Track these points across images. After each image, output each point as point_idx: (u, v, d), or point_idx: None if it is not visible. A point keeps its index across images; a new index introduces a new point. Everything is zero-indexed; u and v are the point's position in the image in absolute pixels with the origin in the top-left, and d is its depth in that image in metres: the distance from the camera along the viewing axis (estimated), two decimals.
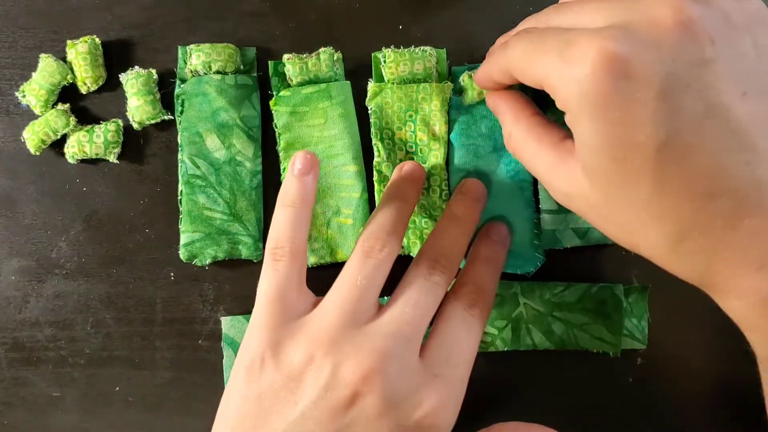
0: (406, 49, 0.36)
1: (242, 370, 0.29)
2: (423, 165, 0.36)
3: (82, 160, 0.36)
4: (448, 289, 0.32)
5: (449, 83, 0.36)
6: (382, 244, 0.30)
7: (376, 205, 0.36)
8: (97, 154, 0.36)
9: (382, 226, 0.31)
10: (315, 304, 0.30)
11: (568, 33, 0.25)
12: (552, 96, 0.26)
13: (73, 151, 0.36)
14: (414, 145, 0.36)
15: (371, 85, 0.36)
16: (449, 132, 0.36)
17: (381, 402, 0.27)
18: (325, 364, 0.28)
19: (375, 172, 0.36)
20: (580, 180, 0.27)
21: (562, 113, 0.26)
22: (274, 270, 0.30)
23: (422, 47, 0.36)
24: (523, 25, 0.30)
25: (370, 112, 0.36)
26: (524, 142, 0.30)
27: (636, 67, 0.23)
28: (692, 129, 0.23)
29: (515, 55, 0.28)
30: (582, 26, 0.26)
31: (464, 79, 0.36)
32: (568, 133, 0.28)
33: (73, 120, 0.36)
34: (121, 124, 0.36)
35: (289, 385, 0.28)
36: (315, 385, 0.28)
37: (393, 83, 0.36)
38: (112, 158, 0.36)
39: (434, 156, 0.36)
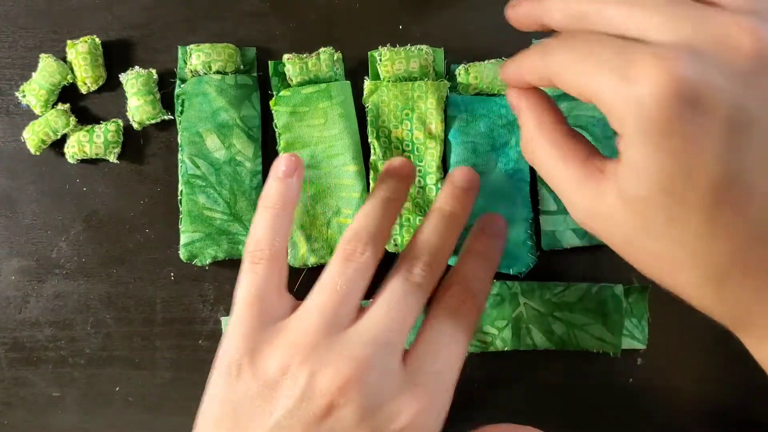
0: (402, 48, 0.36)
1: (220, 374, 0.29)
2: (420, 164, 0.36)
3: (83, 160, 0.36)
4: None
5: (445, 81, 0.36)
6: (364, 246, 0.29)
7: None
8: (97, 154, 0.36)
9: (365, 227, 0.30)
10: (294, 309, 0.30)
11: (628, 47, 0.23)
12: (603, 112, 0.24)
13: (73, 151, 0.36)
14: (410, 144, 0.36)
15: (367, 83, 0.36)
16: (447, 130, 0.36)
17: (358, 412, 0.27)
18: (301, 372, 0.27)
19: (371, 171, 0.36)
20: (612, 203, 0.24)
21: (588, 124, 0.24)
22: (252, 273, 0.30)
23: (418, 45, 0.36)
24: (558, 13, 0.26)
25: (366, 110, 0.36)
26: (545, 151, 0.27)
27: (705, 95, 0.21)
28: (756, 169, 0.22)
29: (559, 63, 0.25)
30: (644, 37, 0.23)
31: (460, 72, 0.36)
32: (593, 150, 0.26)
33: (73, 120, 0.36)
34: (121, 124, 0.36)
35: (264, 393, 0.27)
36: (290, 395, 0.27)
37: (389, 81, 0.36)
38: (112, 158, 0.36)
39: (430, 154, 0.36)
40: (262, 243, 0.30)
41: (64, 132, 0.36)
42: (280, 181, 0.32)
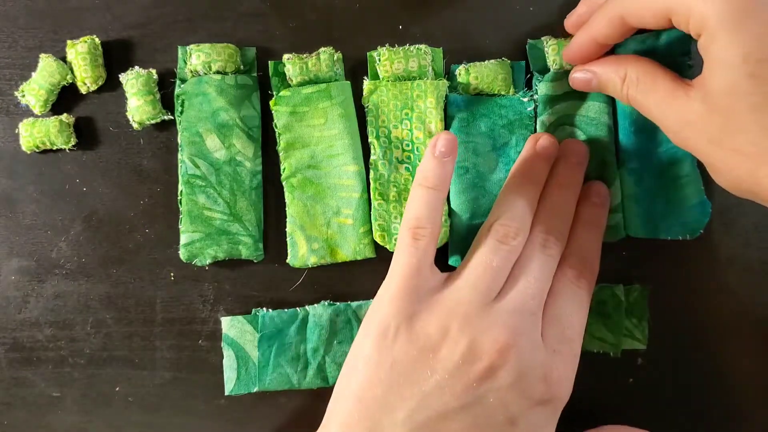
0: (401, 47, 0.36)
1: (373, 338, 0.30)
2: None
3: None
4: None
5: (444, 80, 0.36)
6: (516, 232, 0.31)
7: (373, 203, 0.36)
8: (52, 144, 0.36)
9: (515, 213, 0.32)
10: (445, 282, 0.31)
11: None
12: (680, 22, 0.27)
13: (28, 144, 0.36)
14: (410, 143, 0.36)
15: (367, 83, 0.36)
16: (447, 129, 0.36)
17: (514, 375, 0.29)
18: (462, 337, 0.29)
19: (371, 171, 0.36)
20: (698, 109, 0.27)
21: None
22: (414, 248, 0.31)
23: (417, 45, 0.36)
24: None
25: (366, 110, 0.36)
26: (641, 81, 0.30)
27: None
28: None
29: None
30: None
31: (460, 72, 0.36)
32: (678, 75, 0.29)
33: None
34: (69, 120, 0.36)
35: (424, 355, 0.29)
36: (451, 357, 0.29)
37: (388, 81, 0.36)
38: (68, 146, 0.36)
39: None
40: (424, 221, 0.32)
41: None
42: (437, 161, 0.32)
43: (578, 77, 0.34)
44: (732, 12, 0.24)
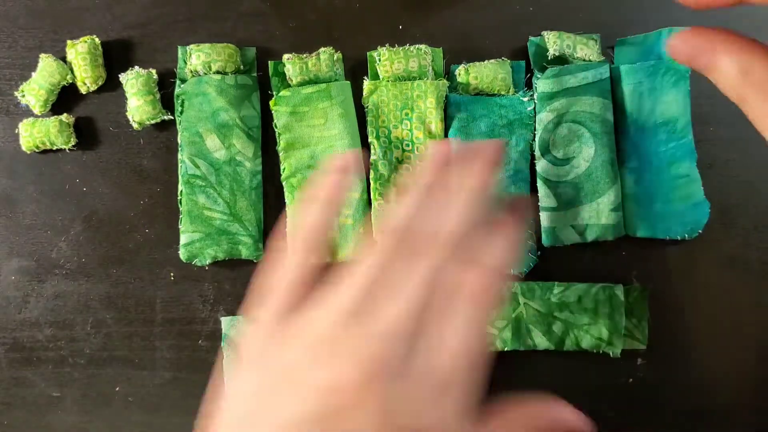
0: (401, 48, 0.36)
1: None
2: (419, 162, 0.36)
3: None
4: None
5: (444, 80, 0.36)
6: None
7: (373, 203, 0.36)
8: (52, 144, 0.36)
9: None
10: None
11: None
12: None
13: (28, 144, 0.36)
14: (410, 143, 0.36)
15: (367, 83, 0.36)
16: (447, 129, 0.36)
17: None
18: None
19: (371, 171, 0.36)
20: None
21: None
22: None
23: (417, 45, 0.36)
24: None
25: (366, 110, 0.36)
26: (764, 82, 0.23)
27: None
28: None
29: None
30: None
31: (460, 72, 0.36)
32: None
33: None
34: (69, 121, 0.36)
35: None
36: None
37: (388, 81, 0.36)
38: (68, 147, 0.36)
39: None
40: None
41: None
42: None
43: (682, 48, 0.25)
44: None
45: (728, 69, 0.24)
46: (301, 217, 0.29)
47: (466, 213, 0.27)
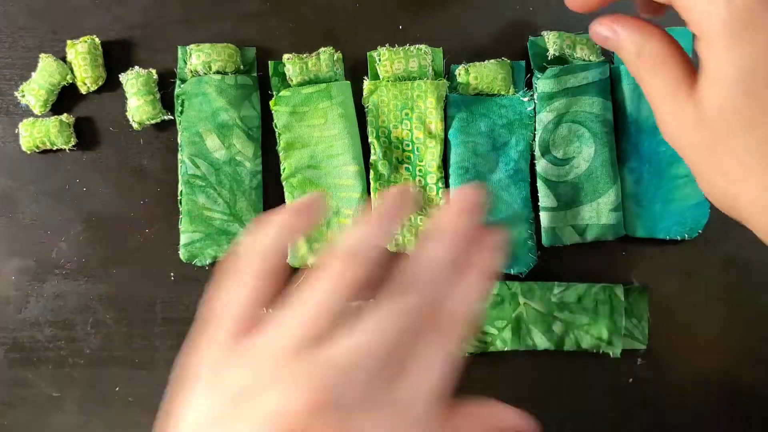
0: (401, 47, 0.36)
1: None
2: (420, 163, 0.36)
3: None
4: None
5: (444, 80, 0.36)
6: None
7: (373, 203, 0.36)
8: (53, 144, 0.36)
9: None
10: None
11: None
12: (683, 16, 0.25)
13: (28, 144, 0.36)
14: (410, 143, 0.36)
15: (367, 83, 0.36)
16: (447, 129, 0.36)
17: None
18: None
19: (371, 171, 0.36)
20: (691, 114, 0.25)
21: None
22: None
23: (417, 45, 0.36)
24: None
25: (366, 110, 0.36)
26: (655, 62, 0.27)
27: None
28: None
29: None
30: None
31: (460, 72, 0.36)
32: (689, 68, 0.26)
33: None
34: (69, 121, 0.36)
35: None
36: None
37: (388, 81, 0.36)
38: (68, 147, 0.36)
39: (431, 153, 0.36)
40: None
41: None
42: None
43: (599, 32, 0.30)
44: (735, 22, 0.23)
45: (627, 48, 0.28)
46: (259, 237, 0.27)
47: (448, 257, 0.26)
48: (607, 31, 0.29)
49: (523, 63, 0.37)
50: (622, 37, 0.29)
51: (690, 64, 0.27)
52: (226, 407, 0.24)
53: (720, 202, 0.27)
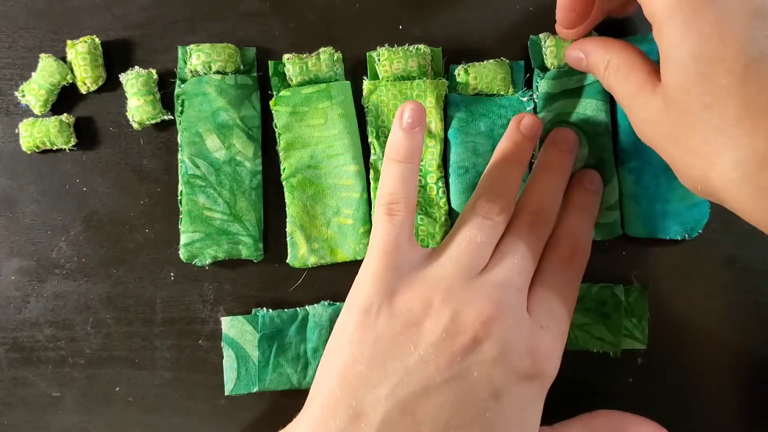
0: (400, 47, 0.36)
1: (356, 316, 0.29)
2: (420, 163, 0.36)
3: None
4: None
5: (444, 80, 0.36)
6: (500, 209, 0.31)
7: (374, 204, 0.36)
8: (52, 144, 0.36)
9: (498, 190, 0.32)
10: (426, 257, 0.31)
11: None
12: (641, 4, 0.26)
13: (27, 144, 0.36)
14: None
15: (366, 83, 0.36)
16: (446, 129, 0.36)
17: (498, 348, 0.28)
18: (444, 310, 0.29)
19: (371, 171, 0.36)
20: (658, 106, 0.27)
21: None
22: (390, 224, 0.31)
23: (416, 45, 0.36)
24: None
25: (366, 110, 0.36)
26: (620, 70, 0.30)
27: None
28: None
29: None
30: None
31: (459, 72, 0.36)
32: (654, 67, 0.28)
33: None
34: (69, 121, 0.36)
35: (408, 330, 0.29)
36: (434, 330, 0.28)
37: (388, 81, 0.36)
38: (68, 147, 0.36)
39: (430, 153, 0.36)
40: (398, 195, 0.31)
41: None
42: (405, 133, 0.32)
43: (572, 56, 0.33)
44: (682, 8, 0.24)
45: (597, 64, 0.31)
46: (388, 179, 0.32)
47: (560, 194, 0.34)
48: (578, 53, 0.33)
49: (522, 63, 0.37)
50: (590, 56, 0.32)
51: (654, 66, 0.29)
52: (404, 327, 0.29)
53: (695, 185, 0.27)
